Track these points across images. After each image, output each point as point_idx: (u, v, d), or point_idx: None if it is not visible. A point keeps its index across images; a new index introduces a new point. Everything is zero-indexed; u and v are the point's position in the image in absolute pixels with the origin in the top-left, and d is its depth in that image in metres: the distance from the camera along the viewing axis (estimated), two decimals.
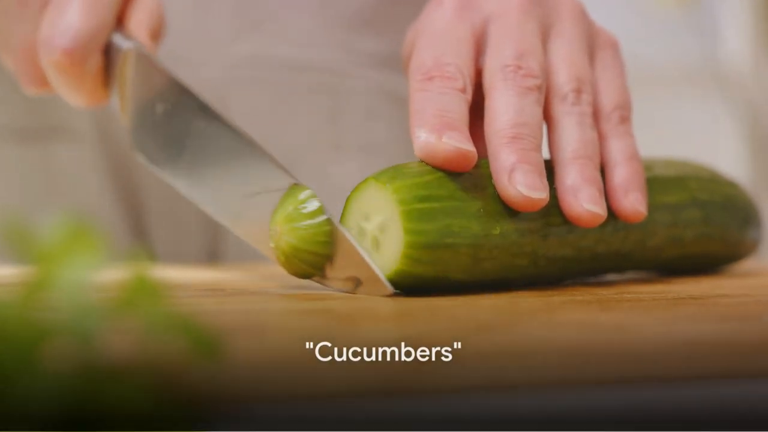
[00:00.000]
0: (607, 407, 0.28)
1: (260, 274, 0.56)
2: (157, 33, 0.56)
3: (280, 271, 0.49)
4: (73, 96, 0.54)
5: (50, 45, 0.52)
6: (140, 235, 0.72)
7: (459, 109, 0.45)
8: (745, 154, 2.21)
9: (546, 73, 0.48)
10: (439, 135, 0.43)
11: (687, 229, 0.54)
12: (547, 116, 0.48)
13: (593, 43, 0.52)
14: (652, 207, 0.51)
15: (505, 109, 0.46)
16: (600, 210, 0.46)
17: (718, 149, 2.20)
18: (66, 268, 0.23)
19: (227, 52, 0.69)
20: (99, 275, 0.23)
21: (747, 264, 0.67)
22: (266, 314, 0.37)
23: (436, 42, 0.48)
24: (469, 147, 0.44)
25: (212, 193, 0.52)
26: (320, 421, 0.26)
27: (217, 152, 0.51)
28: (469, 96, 0.47)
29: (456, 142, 0.43)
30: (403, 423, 0.26)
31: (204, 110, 0.53)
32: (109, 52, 0.54)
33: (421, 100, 0.46)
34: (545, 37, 0.50)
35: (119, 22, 0.54)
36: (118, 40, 0.54)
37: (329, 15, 0.71)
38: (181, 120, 0.53)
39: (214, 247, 0.72)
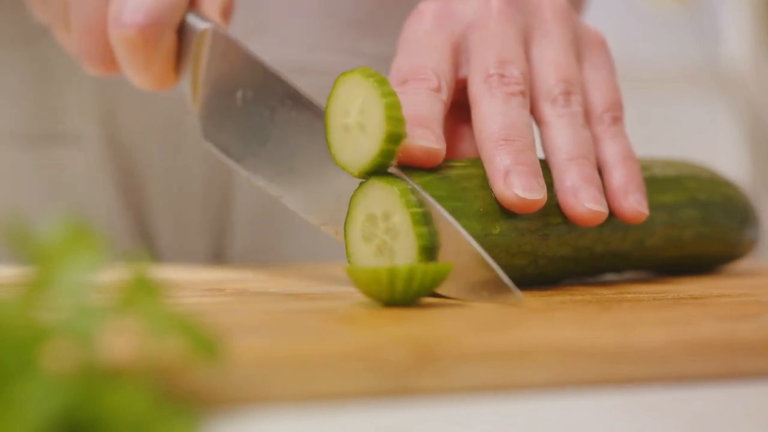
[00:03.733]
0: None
1: (261, 275, 0.56)
2: (228, 12, 0.53)
3: (281, 271, 0.49)
4: (140, 77, 0.52)
5: (123, 20, 0.49)
6: (145, 237, 0.72)
7: (430, 106, 0.46)
8: (745, 154, 2.21)
9: (529, 78, 0.48)
10: (409, 134, 0.44)
11: (685, 229, 0.54)
12: (539, 120, 0.49)
13: (580, 42, 0.51)
14: (651, 207, 0.51)
15: (492, 115, 0.46)
16: (602, 208, 0.46)
17: (718, 149, 2.20)
18: (66, 268, 0.23)
19: None
20: (99, 275, 0.23)
21: (746, 264, 0.67)
22: (266, 314, 0.37)
23: (414, 50, 0.48)
24: (435, 145, 0.44)
25: (302, 190, 0.49)
26: (320, 421, 0.26)
27: (310, 145, 0.48)
28: (444, 96, 0.47)
29: (423, 141, 0.44)
30: (403, 423, 0.26)
31: (293, 97, 0.49)
32: (182, 32, 0.51)
33: None
34: (529, 41, 0.50)
35: (192, 0, 0.52)
36: (193, 20, 0.51)
37: (332, 18, 0.71)
38: (265, 107, 0.50)
39: (219, 247, 0.72)
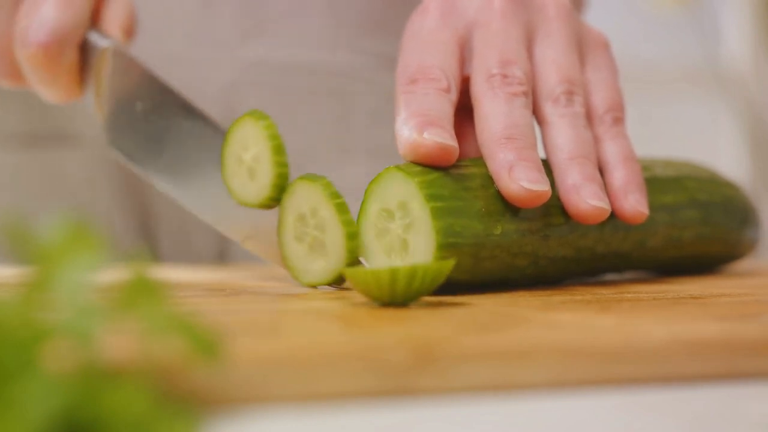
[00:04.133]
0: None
1: (261, 275, 0.56)
2: (130, 30, 0.56)
3: (281, 271, 0.49)
4: (47, 91, 0.55)
5: (26, 39, 0.52)
6: (147, 238, 0.72)
7: (441, 107, 0.46)
8: (745, 154, 2.21)
9: (531, 79, 0.48)
10: (420, 132, 0.44)
11: (686, 229, 0.54)
12: (541, 119, 0.49)
13: (582, 42, 0.51)
14: (651, 207, 0.51)
15: (495, 115, 0.46)
16: (604, 204, 0.46)
17: (718, 149, 2.20)
18: (66, 268, 0.23)
19: (234, 55, 0.69)
20: (99, 275, 0.23)
21: (746, 264, 0.67)
22: (266, 314, 0.37)
23: (421, 47, 0.48)
24: (450, 142, 0.44)
25: (197, 192, 0.52)
26: (320, 421, 0.26)
27: (203, 152, 0.52)
28: (453, 96, 0.47)
29: (437, 137, 0.44)
30: (403, 423, 0.26)
31: (187, 109, 0.53)
32: (84, 49, 0.54)
33: (404, 101, 0.46)
34: (532, 40, 0.50)
35: (93, 18, 0.55)
36: (94, 37, 0.54)
37: (336, 17, 0.71)
38: (162, 118, 0.53)
39: (221, 248, 0.72)
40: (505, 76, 0.47)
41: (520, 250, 0.45)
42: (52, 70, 0.53)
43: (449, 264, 0.39)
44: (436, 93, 0.46)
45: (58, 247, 0.23)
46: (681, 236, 0.54)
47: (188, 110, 0.53)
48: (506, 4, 0.49)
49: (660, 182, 0.54)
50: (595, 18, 0.70)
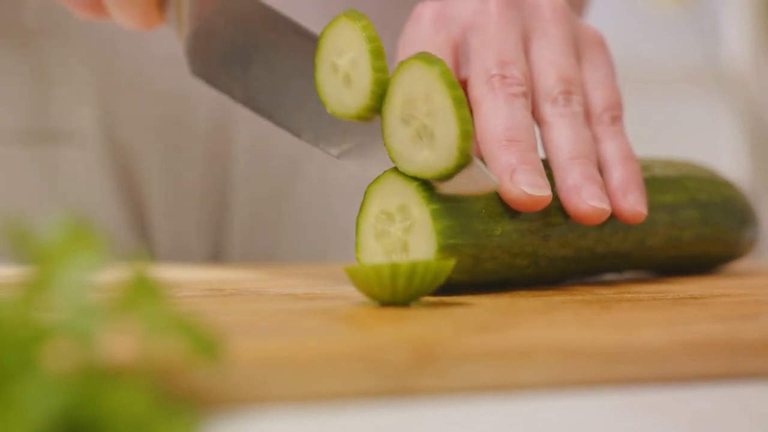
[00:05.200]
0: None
1: (260, 274, 0.56)
2: None
3: (281, 271, 0.49)
4: (127, 17, 0.53)
5: None
6: (144, 236, 0.72)
7: None
8: (745, 154, 2.21)
9: (530, 79, 0.48)
10: None
11: (685, 229, 0.54)
12: (540, 120, 0.49)
13: (579, 42, 0.51)
14: (651, 207, 0.51)
15: (495, 117, 0.46)
16: (604, 205, 0.46)
17: (719, 149, 2.20)
18: (66, 268, 0.23)
19: None
20: (99, 275, 0.23)
21: (746, 264, 0.67)
22: (266, 314, 0.37)
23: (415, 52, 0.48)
24: None
25: (292, 109, 0.49)
26: (320, 421, 0.26)
27: (294, 63, 0.48)
28: None
29: None
30: (403, 423, 0.26)
31: (275, 19, 0.50)
32: None
33: None
34: (528, 41, 0.50)
35: None
36: None
37: (330, 16, 0.71)
38: (247, 31, 0.50)
39: (218, 247, 0.72)
40: (504, 77, 0.47)
41: (521, 251, 0.45)
42: None
43: (450, 262, 0.39)
44: None
45: (58, 247, 0.23)
46: (681, 236, 0.54)
47: (277, 20, 0.49)
48: (502, 7, 0.49)
49: (660, 182, 0.54)
50: (595, 18, 0.70)
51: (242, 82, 0.50)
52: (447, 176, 0.41)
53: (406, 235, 0.43)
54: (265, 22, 0.49)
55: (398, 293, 0.38)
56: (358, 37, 0.42)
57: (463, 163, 0.40)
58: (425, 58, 0.41)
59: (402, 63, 0.42)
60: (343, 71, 0.43)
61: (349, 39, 0.43)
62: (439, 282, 0.39)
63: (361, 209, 0.44)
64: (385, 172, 0.44)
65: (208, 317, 0.35)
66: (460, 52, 0.49)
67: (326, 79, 0.44)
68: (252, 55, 0.50)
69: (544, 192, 0.44)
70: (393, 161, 0.43)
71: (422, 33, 0.49)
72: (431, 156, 0.41)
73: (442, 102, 0.40)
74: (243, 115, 0.67)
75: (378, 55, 0.42)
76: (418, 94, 0.41)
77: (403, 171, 0.42)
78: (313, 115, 0.47)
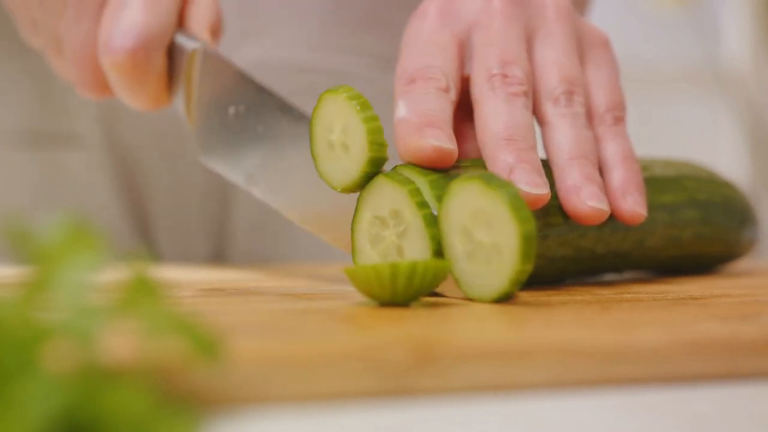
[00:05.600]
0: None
1: (261, 275, 0.56)
2: (217, 31, 0.54)
3: (281, 271, 0.49)
4: (135, 99, 0.52)
5: (113, 46, 0.50)
6: (146, 238, 0.72)
7: (440, 107, 0.46)
8: (745, 154, 2.21)
9: (531, 79, 0.48)
10: (420, 134, 0.44)
11: (685, 229, 0.54)
12: (541, 120, 0.49)
13: (583, 42, 0.51)
14: (650, 207, 0.51)
15: (495, 116, 0.46)
16: (604, 206, 0.46)
17: (719, 149, 2.20)
18: (66, 268, 0.23)
19: (233, 55, 0.68)
20: (99, 275, 0.23)
21: (746, 264, 0.67)
22: (266, 314, 0.37)
23: (420, 49, 0.48)
24: (448, 144, 0.44)
25: (296, 198, 0.49)
26: (320, 421, 0.26)
27: (302, 155, 0.48)
28: (452, 96, 0.47)
29: (435, 140, 0.43)
30: (403, 423, 0.26)
31: (285, 110, 0.50)
32: (172, 53, 0.52)
33: (403, 102, 0.46)
34: (532, 40, 0.50)
35: (180, 20, 0.53)
36: (182, 40, 0.52)
37: (334, 17, 0.71)
38: (257, 121, 0.51)
39: (219, 247, 0.72)
40: (505, 77, 0.47)
41: None
42: (140, 76, 0.51)
43: (450, 262, 0.39)
44: (435, 92, 0.46)
45: (58, 247, 0.23)
46: (680, 236, 0.54)
47: (286, 110, 0.50)
48: (506, 5, 0.49)
49: (659, 182, 0.54)
50: (595, 18, 0.70)
51: (251, 171, 0.51)
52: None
53: (400, 239, 0.43)
54: (275, 111, 0.50)
55: (398, 293, 0.38)
56: (342, 103, 0.44)
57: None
58: (389, 175, 0.43)
59: (369, 184, 0.43)
60: (338, 142, 0.44)
61: (335, 111, 0.44)
62: (439, 282, 0.39)
63: (354, 215, 0.44)
64: (377, 177, 0.44)
65: (208, 317, 0.35)
66: (465, 49, 0.49)
67: (325, 158, 0.45)
68: (262, 145, 0.50)
69: (542, 190, 0.44)
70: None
71: (427, 29, 0.49)
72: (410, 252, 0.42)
73: (410, 215, 0.42)
74: None
75: (365, 107, 0.43)
76: (386, 212, 0.43)
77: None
78: (317, 204, 0.48)
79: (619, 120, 0.50)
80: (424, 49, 0.48)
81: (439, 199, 0.42)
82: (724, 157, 2.15)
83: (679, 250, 0.55)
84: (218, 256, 0.72)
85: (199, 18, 0.53)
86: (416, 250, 0.42)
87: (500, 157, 0.45)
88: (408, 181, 0.43)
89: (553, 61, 0.49)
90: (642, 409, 0.28)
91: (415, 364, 0.27)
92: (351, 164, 0.44)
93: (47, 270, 0.23)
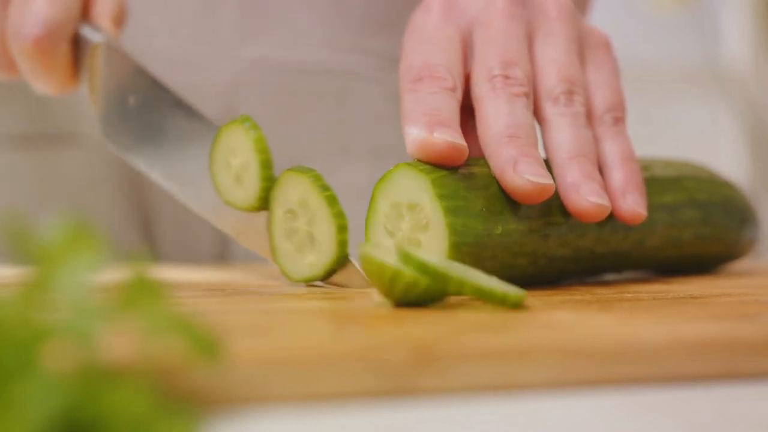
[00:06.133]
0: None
1: (261, 275, 0.56)
2: (119, 21, 0.57)
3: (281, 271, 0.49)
4: (41, 84, 0.55)
5: (18, 32, 0.53)
6: (147, 237, 0.72)
7: (449, 107, 0.46)
8: (745, 154, 2.21)
9: (532, 80, 0.48)
10: (430, 131, 0.44)
11: (685, 229, 0.54)
12: (541, 119, 0.49)
13: (583, 42, 0.51)
14: (650, 207, 0.51)
15: (497, 115, 0.46)
16: (605, 201, 0.46)
17: (718, 149, 2.20)
18: (66, 268, 0.23)
19: (235, 55, 0.69)
20: (99, 275, 0.23)
21: (746, 263, 0.67)
22: (266, 314, 0.37)
23: (425, 45, 0.49)
24: (461, 141, 0.44)
25: (190, 186, 0.53)
26: (320, 421, 0.26)
27: (194, 147, 0.52)
28: (459, 95, 0.47)
29: (448, 137, 0.44)
30: (403, 423, 0.26)
31: (177, 104, 0.54)
32: (78, 43, 0.55)
33: (411, 100, 0.46)
34: (532, 39, 0.50)
35: (85, 10, 0.56)
36: (87, 32, 0.55)
37: (337, 17, 0.71)
38: (155, 113, 0.54)
39: (222, 248, 0.72)
40: (506, 77, 0.47)
41: (520, 250, 0.45)
42: (46, 63, 0.54)
43: (452, 288, 0.38)
44: (442, 92, 0.46)
45: (58, 247, 0.23)
46: (680, 236, 0.54)
47: (179, 105, 0.54)
48: (508, 4, 0.49)
49: (659, 182, 0.54)
50: (594, 18, 0.70)
51: (149, 157, 0.54)
52: (330, 272, 0.46)
53: (415, 231, 0.43)
54: (171, 106, 0.54)
55: (393, 296, 0.38)
56: (251, 147, 0.47)
57: (342, 257, 0.45)
58: (298, 169, 0.46)
59: (279, 177, 0.47)
60: (235, 170, 0.48)
61: (242, 144, 0.48)
62: (440, 299, 0.38)
63: (370, 205, 0.44)
64: (396, 165, 0.44)
65: (208, 317, 0.35)
66: (467, 46, 0.49)
67: (220, 171, 0.49)
68: (159, 135, 0.54)
69: (547, 180, 0.44)
70: (282, 273, 0.48)
71: (431, 25, 0.49)
72: (315, 258, 0.46)
73: (316, 204, 0.45)
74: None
75: (267, 165, 0.47)
76: (295, 204, 0.46)
77: (291, 280, 0.47)
78: (212, 197, 0.51)
79: (619, 120, 0.50)
80: (429, 46, 0.48)
81: (442, 197, 0.42)
82: (724, 157, 2.15)
83: (678, 250, 0.55)
84: (219, 256, 0.72)
85: (103, 9, 0.55)
86: (432, 241, 0.42)
87: (503, 152, 0.45)
88: (430, 171, 0.43)
89: (553, 61, 0.49)
90: (642, 409, 0.28)
91: (415, 364, 0.27)
92: (240, 196, 0.48)
93: (47, 270, 0.23)
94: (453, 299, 0.41)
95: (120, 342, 0.24)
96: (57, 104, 0.70)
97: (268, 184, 0.47)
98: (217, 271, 0.60)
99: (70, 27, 0.54)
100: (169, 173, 0.54)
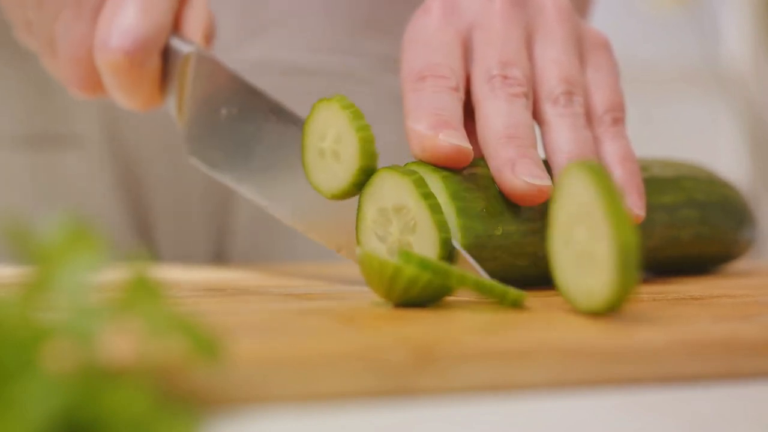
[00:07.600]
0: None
1: (261, 275, 0.56)
2: (210, 35, 0.55)
3: (281, 271, 0.49)
4: (128, 99, 0.53)
5: (108, 45, 0.51)
6: (146, 238, 0.72)
7: (453, 107, 0.46)
8: (745, 154, 2.21)
9: (531, 80, 0.49)
10: (436, 133, 0.44)
11: (684, 229, 0.54)
12: (540, 120, 0.49)
13: (583, 43, 0.51)
14: (649, 207, 0.51)
15: (496, 115, 0.46)
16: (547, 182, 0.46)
17: (718, 149, 2.20)
18: (66, 268, 0.23)
19: (234, 56, 0.68)
20: (99, 275, 0.23)
21: (745, 264, 0.67)
22: (266, 314, 0.37)
23: (426, 46, 0.49)
24: (466, 144, 0.44)
25: (287, 198, 0.51)
26: (320, 421, 0.26)
27: (293, 156, 0.49)
28: (461, 95, 0.47)
29: (454, 140, 0.44)
30: (403, 423, 0.26)
31: (277, 112, 0.52)
32: (166, 55, 0.53)
33: (415, 99, 0.46)
34: (532, 41, 0.50)
35: (175, 24, 0.54)
36: (177, 43, 0.53)
37: (335, 18, 0.71)
38: (249, 123, 0.52)
39: (219, 247, 0.72)
40: (505, 78, 0.47)
41: (521, 251, 0.45)
42: (134, 77, 0.52)
43: (454, 284, 0.38)
44: (446, 91, 0.46)
45: (58, 247, 0.23)
46: (679, 236, 0.54)
47: (278, 112, 0.52)
48: (507, 5, 0.49)
49: (658, 182, 0.54)
50: (594, 18, 0.70)
51: (240, 172, 0.52)
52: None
53: (405, 234, 0.43)
54: (267, 113, 0.52)
55: (393, 295, 0.38)
56: (335, 112, 0.44)
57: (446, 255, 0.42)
58: (399, 170, 0.43)
59: (372, 178, 0.44)
60: (329, 151, 0.45)
61: (327, 120, 0.45)
62: (439, 299, 0.38)
63: (358, 212, 0.44)
64: (377, 171, 0.44)
65: (208, 317, 0.35)
66: (467, 47, 0.49)
67: (316, 166, 0.46)
68: (253, 146, 0.52)
69: (545, 182, 0.44)
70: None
71: (431, 26, 0.50)
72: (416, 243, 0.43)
73: (418, 211, 0.42)
74: None
75: (357, 116, 0.44)
76: (390, 207, 0.43)
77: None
78: (307, 205, 0.49)
79: (619, 121, 0.50)
80: (431, 47, 0.48)
81: (453, 196, 0.42)
82: (724, 157, 2.15)
83: (678, 250, 0.55)
84: (218, 256, 0.72)
85: (194, 22, 0.54)
86: (423, 243, 0.42)
87: (502, 153, 0.45)
88: (413, 173, 0.43)
89: (552, 61, 0.49)
90: (642, 409, 0.28)
91: (415, 364, 0.27)
92: (342, 172, 0.44)
93: (47, 270, 0.23)
94: (453, 299, 0.41)
95: (120, 342, 0.24)
96: (57, 104, 0.70)
97: (366, 133, 0.44)
98: (217, 271, 0.61)
99: (162, 39, 0.52)
100: (261, 186, 0.51)
